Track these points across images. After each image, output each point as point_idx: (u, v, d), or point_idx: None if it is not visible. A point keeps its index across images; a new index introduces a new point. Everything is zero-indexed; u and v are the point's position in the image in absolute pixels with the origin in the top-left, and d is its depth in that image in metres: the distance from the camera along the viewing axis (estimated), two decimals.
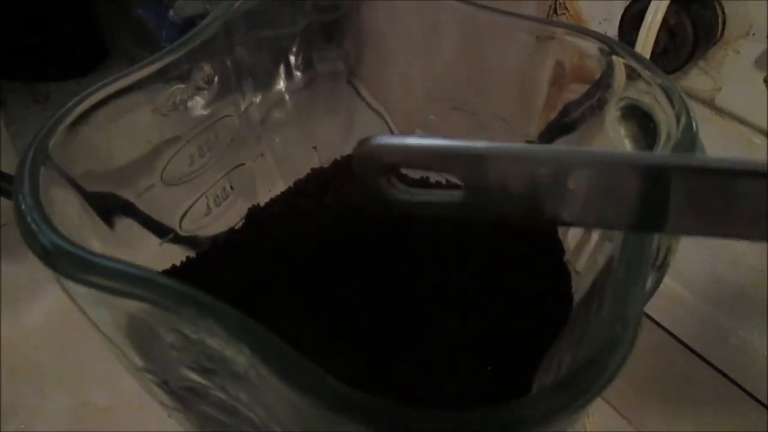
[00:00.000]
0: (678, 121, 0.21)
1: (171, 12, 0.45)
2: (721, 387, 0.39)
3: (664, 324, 0.41)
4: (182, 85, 0.25)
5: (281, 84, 0.34)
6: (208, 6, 0.46)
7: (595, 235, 0.27)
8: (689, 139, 0.20)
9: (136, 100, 0.23)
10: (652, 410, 0.39)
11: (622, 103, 0.24)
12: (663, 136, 0.21)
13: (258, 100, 0.32)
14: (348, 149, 0.37)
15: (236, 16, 0.27)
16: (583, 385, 0.14)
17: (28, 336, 0.38)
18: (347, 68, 0.36)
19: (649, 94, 0.23)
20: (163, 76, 0.24)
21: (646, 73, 0.22)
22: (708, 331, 0.40)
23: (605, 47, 0.24)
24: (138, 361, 0.19)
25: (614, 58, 0.24)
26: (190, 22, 0.46)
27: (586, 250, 0.27)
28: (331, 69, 0.35)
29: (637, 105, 0.23)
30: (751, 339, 0.38)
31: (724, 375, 0.39)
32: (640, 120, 0.23)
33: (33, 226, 0.17)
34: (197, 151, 0.27)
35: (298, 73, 0.34)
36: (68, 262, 0.16)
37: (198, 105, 0.26)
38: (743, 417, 0.38)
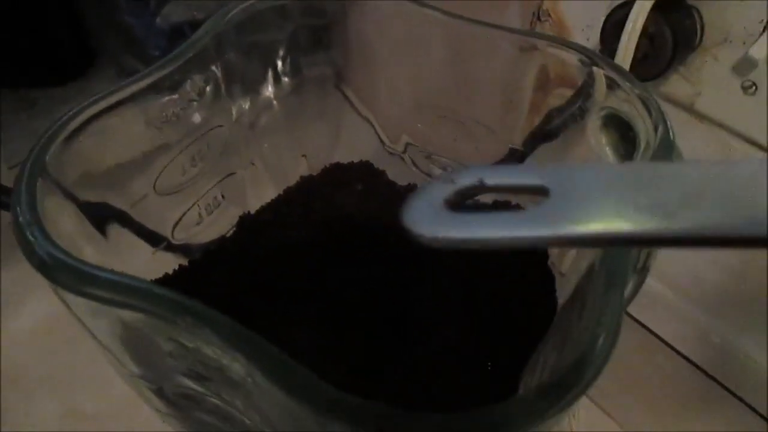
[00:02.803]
0: (656, 130, 0.22)
1: (158, 19, 0.45)
2: (704, 385, 0.39)
3: (646, 323, 0.42)
4: (174, 97, 0.25)
5: (269, 89, 0.34)
6: (195, 13, 0.46)
7: None
8: (666, 148, 0.21)
9: (129, 113, 0.23)
10: (636, 407, 0.39)
11: (603, 113, 0.24)
12: (642, 145, 0.22)
13: (247, 106, 0.32)
14: (336, 154, 0.37)
15: (227, 27, 0.27)
16: (563, 390, 0.14)
17: (16, 341, 0.38)
18: (335, 74, 0.36)
19: (628, 104, 0.23)
20: (155, 89, 0.24)
21: (625, 84, 0.23)
22: (689, 330, 0.41)
23: (585, 59, 0.25)
24: (134, 368, 0.20)
25: (595, 69, 0.24)
26: (177, 29, 0.46)
27: (570, 253, 0.28)
28: (318, 74, 0.36)
29: (618, 114, 0.24)
30: (732, 338, 0.39)
31: (706, 373, 0.39)
32: (621, 129, 0.24)
33: (31, 238, 0.18)
34: (189, 161, 0.27)
35: (285, 78, 0.34)
36: (66, 274, 0.17)
37: (190, 116, 0.27)
38: (726, 415, 0.38)
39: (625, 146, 0.24)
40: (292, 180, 0.34)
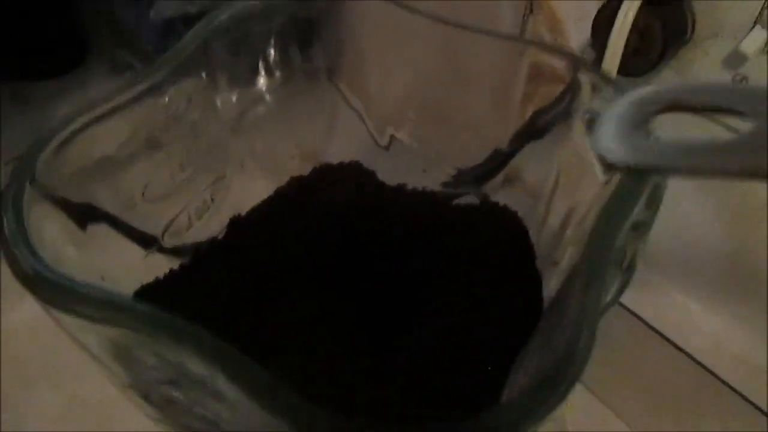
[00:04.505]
0: None
1: (151, 13, 0.45)
2: (698, 375, 0.39)
3: (639, 312, 0.42)
4: (163, 103, 0.25)
5: (260, 84, 0.34)
6: (188, 7, 0.46)
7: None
8: None
9: (117, 122, 0.23)
10: (630, 396, 0.40)
11: (587, 116, 0.24)
12: None
13: (237, 105, 0.32)
14: (331, 148, 0.37)
15: (216, 32, 0.27)
16: (541, 398, 0.15)
17: (17, 332, 0.38)
18: (326, 67, 0.36)
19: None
20: (143, 98, 0.24)
21: (608, 91, 0.23)
22: (683, 320, 0.41)
23: (571, 65, 0.25)
24: (124, 377, 0.20)
25: (580, 75, 0.24)
26: (170, 23, 0.46)
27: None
28: (309, 68, 0.35)
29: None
30: (725, 329, 0.39)
31: (700, 364, 0.40)
32: None
33: (16, 252, 0.18)
34: (178, 166, 0.27)
35: (276, 72, 0.34)
36: (49, 290, 0.17)
37: (179, 122, 0.27)
38: (719, 405, 0.39)
39: None
40: (283, 180, 0.35)
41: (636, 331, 0.41)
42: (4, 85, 0.52)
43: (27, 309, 0.39)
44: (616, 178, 0.22)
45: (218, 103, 0.30)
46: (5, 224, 0.19)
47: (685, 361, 0.40)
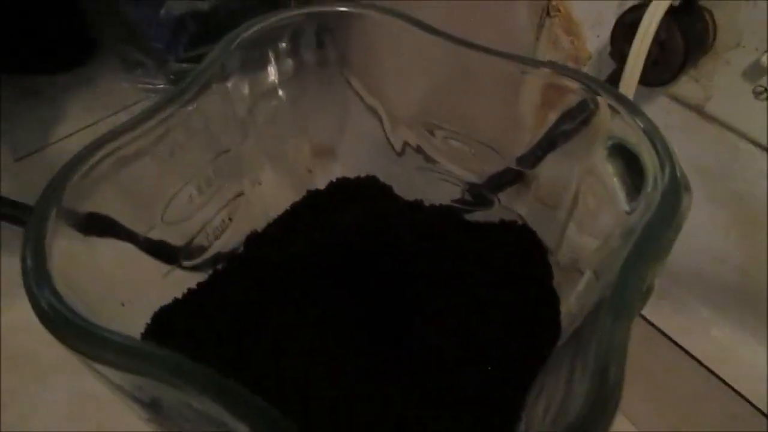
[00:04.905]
0: (663, 167, 0.21)
1: (162, 11, 0.45)
2: (704, 379, 0.40)
3: (648, 316, 0.42)
4: (185, 122, 0.25)
5: (272, 77, 0.34)
6: (199, 3, 0.45)
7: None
8: (674, 188, 0.21)
9: (137, 150, 0.24)
10: (640, 398, 0.40)
11: (609, 142, 0.24)
12: (650, 181, 0.22)
13: (248, 94, 0.31)
14: (341, 146, 0.37)
15: (233, 52, 0.27)
16: None
17: (27, 325, 0.38)
18: (339, 61, 0.36)
19: (635, 134, 0.23)
20: (163, 125, 0.24)
21: (628, 118, 0.22)
22: (691, 324, 0.41)
23: (587, 88, 0.24)
24: (144, 413, 0.20)
25: (598, 98, 0.24)
26: (180, 21, 0.45)
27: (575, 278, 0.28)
28: (323, 59, 0.35)
29: (624, 145, 0.23)
30: (733, 333, 0.39)
31: (707, 368, 0.40)
32: (628, 159, 0.23)
33: (35, 290, 0.18)
34: (196, 190, 0.27)
35: (289, 65, 0.34)
36: (69, 332, 0.17)
37: (198, 140, 0.26)
38: (725, 409, 0.39)
39: (632, 177, 0.23)
40: (301, 180, 0.34)
41: (645, 334, 0.41)
42: (13, 80, 0.52)
43: None
44: (641, 208, 0.22)
45: (232, 100, 0.30)
46: (26, 259, 0.19)
47: (692, 364, 0.40)
